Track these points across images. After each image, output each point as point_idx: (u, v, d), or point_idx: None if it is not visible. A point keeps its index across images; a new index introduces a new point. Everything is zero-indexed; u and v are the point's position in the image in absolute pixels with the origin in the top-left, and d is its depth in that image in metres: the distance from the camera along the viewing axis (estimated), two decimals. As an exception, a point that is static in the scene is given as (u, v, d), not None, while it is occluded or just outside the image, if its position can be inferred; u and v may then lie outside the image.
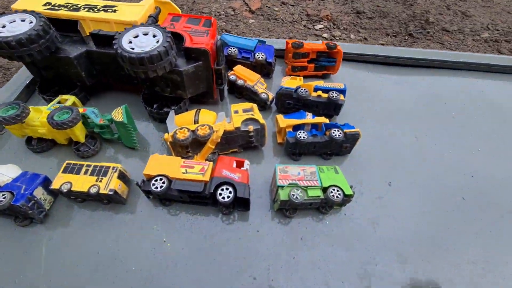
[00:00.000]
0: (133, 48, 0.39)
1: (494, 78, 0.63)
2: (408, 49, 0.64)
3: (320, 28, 0.80)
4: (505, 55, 0.81)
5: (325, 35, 0.78)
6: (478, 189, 0.46)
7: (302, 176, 0.45)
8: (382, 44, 0.77)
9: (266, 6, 0.87)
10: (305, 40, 0.74)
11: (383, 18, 0.88)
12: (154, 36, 0.40)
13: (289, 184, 0.44)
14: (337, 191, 0.45)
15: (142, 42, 0.39)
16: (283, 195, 0.42)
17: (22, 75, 0.53)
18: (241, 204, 0.39)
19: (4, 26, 0.40)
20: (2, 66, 0.68)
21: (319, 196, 0.44)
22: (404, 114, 0.54)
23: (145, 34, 0.40)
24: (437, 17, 0.91)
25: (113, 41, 0.39)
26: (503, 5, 0.99)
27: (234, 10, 0.84)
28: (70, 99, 0.45)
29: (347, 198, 0.44)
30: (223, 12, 0.82)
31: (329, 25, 0.81)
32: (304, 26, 0.79)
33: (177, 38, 0.44)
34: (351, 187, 0.45)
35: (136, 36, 0.40)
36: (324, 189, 0.45)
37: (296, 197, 0.42)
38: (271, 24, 0.79)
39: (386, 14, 0.90)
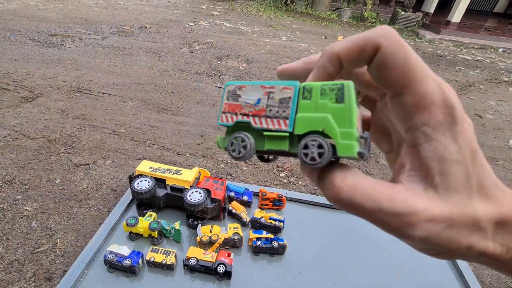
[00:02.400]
0: (190, 199, 0.81)
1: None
2: (323, 197, 1.09)
3: (282, 176, 1.27)
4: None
5: (284, 180, 1.25)
6: None
7: (262, 108, 0.19)
8: (316, 189, 1.23)
9: (254, 158, 1.39)
10: (272, 186, 1.20)
11: (320, 171, 1.37)
12: (199, 193, 0.84)
13: (237, 122, 0.20)
14: (319, 147, 0.17)
15: (195, 196, 0.82)
16: (221, 142, 0.21)
17: (127, 198, 0.95)
18: (228, 274, 0.74)
19: (138, 184, 0.84)
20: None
21: (284, 150, 0.18)
22: (320, 234, 0.93)
23: (196, 192, 0.84)
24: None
25: (183, 195, 0.82)
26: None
27: (235, 160, 1.33)
28: (153, 215, 0.86)
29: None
30: (229, 161, 1.32)
31: (288, 174, 1.29)
32: (274, 173, 1.27)
33: (207, 191, 0.88)
34: (364, 140, 0.18)
35: (192, 192, 0.84)
36: (298, 138, 0.18)
37: (239, 150, 0.19)
38: (256, 171, 1.27)
39: (322, 168, 1.40)
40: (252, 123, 0.19)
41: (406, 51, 0.16)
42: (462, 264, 0.85)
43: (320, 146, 0.17)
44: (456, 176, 0.16)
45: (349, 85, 0.17)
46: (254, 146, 0.19)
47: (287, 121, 0.18)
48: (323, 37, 5.07)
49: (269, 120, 0.19)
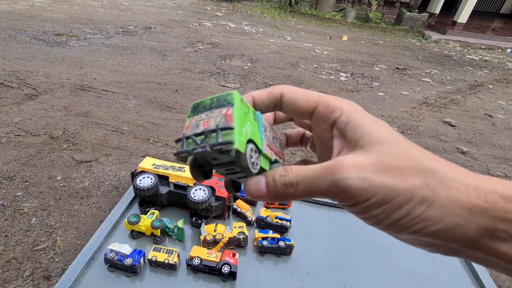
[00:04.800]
0: (194, 197, 0.78)
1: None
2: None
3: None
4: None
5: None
6: None
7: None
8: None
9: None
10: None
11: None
12: (203, 190, 0.81)
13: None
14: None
15: (199, 194, 0.79)
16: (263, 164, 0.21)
17: (129, 195, 0.93)
18: (233, 275, 0.71)
19: (140, 180, 0.81)
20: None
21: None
22: (326, 234, 0.89)
23: (200, 189, 0.81)
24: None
25: (186, 193, 0.79)
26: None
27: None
28: (156, 213, 0.83)
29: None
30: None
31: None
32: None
33: (212, 188, 0.85)
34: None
35: (196, 190, 0.81)
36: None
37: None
38: (261, 170, 1.23)
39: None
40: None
41: (299, 89, 0.23)
42: (479, 267, 0.81)
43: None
44: (376, 133, 0.19)
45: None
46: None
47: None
48: (328, 37, 5.04)
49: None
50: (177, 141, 0.18)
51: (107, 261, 0.68)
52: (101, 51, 2.99)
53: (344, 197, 0.18)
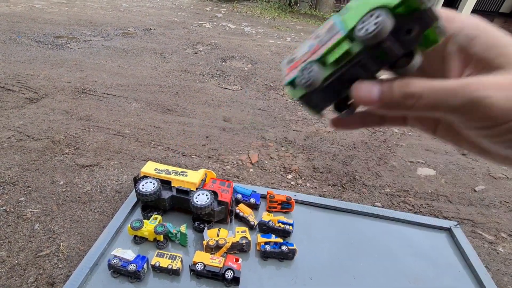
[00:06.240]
0: (197, 201, 0.79)
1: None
2: (332, 200, 1.05)
3: (290, 178, 1.24)
4: (398, 208, 1.22)
5: (292, 182, 1.21)
6: None
7: (316, 46, 0.21)
8: (325, 192, 1.20)
9: (261, 160, 1.35)
10: (280, 188, 1.17)
11: (328, 173, 1.34)
12: (206, 195, 0.81)
13: (302, 69, 0.21)
14: (377, 17, 0.16)
15: (201, 198, 0.79)
16: (291, 92, 0.22)
17: (132, 200, 0.93)
18: (236, 280, 0.71)
19: (143, 185, 0.81)
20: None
21: (349, 52, 0.18)
22: (332, 241, 0.90)
23: (203, 194, 0.81)
24: (360, 175, 1.37)
25: (189, 198, 0.80)
26: (401, 170, 1.46)
27: (241, 161, 1.31)
28: (158, 218, 0.83)
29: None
30: (235, 163, 1.29)
31: (296, 176, 1.25)
32: (281, 175, 1.23)
33: (214, 193, 0.85)
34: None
35: (198, 195, 0.81)
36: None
37: (308, 77, 0.20)
38: (262, 173, 1.24)
39: (330, 170, 1.37)
40: (313, 58, 0.21)
41: None
42: (481, 270, 0.81)
43: (377, 16, 0.17)
44: None
45: None
46: (319, 68, 0.20)
47: (340, 31, 0.19)
48: (328, 38, 5.02)
49: (325, 46, 0.20)
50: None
51: (110, 267, 0.69)
52: (102, 53, 2.99)
53: (481, 116, 0.17)
